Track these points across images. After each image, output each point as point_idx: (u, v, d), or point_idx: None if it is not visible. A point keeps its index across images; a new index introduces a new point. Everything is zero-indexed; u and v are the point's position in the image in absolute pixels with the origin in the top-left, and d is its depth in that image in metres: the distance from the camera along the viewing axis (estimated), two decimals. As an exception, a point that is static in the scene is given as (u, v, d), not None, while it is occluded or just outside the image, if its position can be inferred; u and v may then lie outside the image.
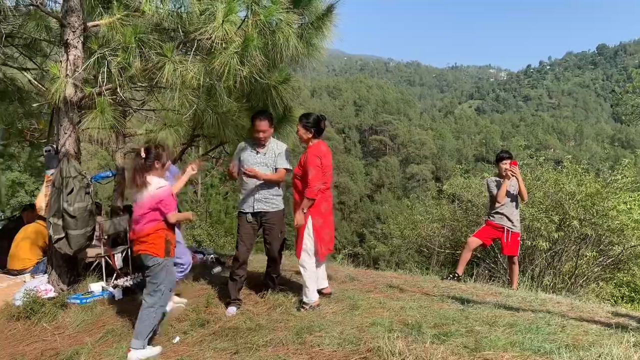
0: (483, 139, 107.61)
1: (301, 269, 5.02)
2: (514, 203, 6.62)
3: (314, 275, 5.01)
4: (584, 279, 9.69)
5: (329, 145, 5.21)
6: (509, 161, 6.55)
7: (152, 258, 4.26)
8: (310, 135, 5.01)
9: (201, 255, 7.51)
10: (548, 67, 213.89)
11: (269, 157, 5.11)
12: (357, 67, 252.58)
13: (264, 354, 3.99)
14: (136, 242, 4.33)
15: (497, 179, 6.68)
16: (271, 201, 5.16)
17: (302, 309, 4.93)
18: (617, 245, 9.71)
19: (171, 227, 4.37)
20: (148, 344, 4.25)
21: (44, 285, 5.57)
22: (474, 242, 6.75)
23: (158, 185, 4.25)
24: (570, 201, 9.46)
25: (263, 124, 5.04)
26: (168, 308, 5.12)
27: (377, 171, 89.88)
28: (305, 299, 4.97)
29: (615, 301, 9.52)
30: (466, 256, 6.77)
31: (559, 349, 3.65)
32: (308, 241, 4.98)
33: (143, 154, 4.27)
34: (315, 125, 5.00)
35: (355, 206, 76.25)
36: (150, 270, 4.29)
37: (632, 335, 3.78)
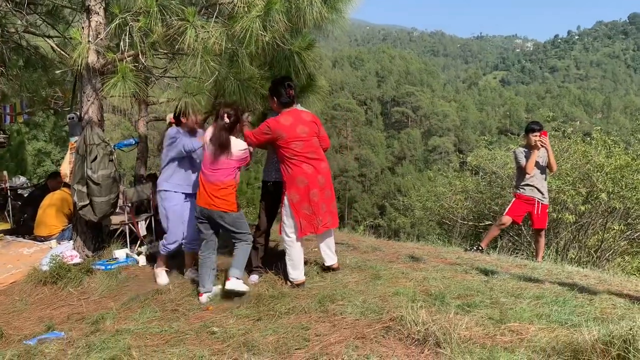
0: (507, 111, 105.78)
1: (285, 247, 4.95)
2: (544, 175, 6.46)
3: (295, 254, 4.85)
4: (610, 252, 9.54)
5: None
6: (539, 133, 6.37)
7: (229, 214, 4.57)
8: (274, 104, 4.88)
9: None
10: (577, 37, 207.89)
11: None
12: (380, 37, 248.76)
13: (286, 321, 3.99)
14: (209, 196, 4.54)
15: (526, 149, 6.50)
16: None
17: (287, 283, 4.88)
18: (646, 219, 9.51)
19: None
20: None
21: (69, 252, 5.65)
22: (508, 220, 6.57)
23: (241, 147, 4.60)
24: (598, 173, 9.24)
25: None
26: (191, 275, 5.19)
27: (399, 143, 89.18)
28: (289, 276, 4.88)
29: (641, 275, 9.37)
30: (494, 232, 6.67)
31: (587, 322, 3.57)
32: (285, 219, 4.87)
33: (226, 118, 4.48)
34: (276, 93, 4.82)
35: (376, 178, 76.00)
36: (231, 224, 4.62)
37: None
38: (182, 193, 5.07)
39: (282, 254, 5.41)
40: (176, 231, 5.09)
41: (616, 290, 4.61)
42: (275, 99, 4.81)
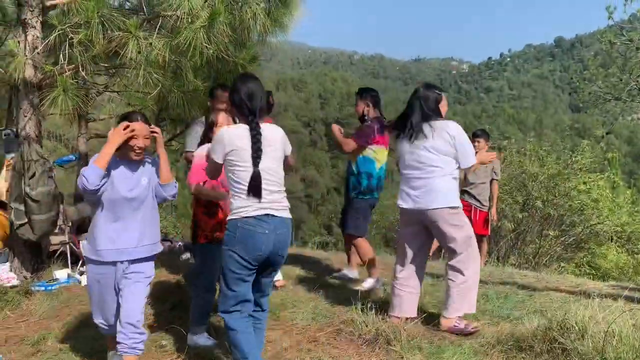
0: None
1: None
2: (485, 184, 6.60)
3: None
4: (547, 258, 9.99)
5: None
6: (482, 139, 6.55)
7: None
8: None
9: (169, 243, 7.41)
10: (508, 59, 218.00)
11: None
12: (322, 60, 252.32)
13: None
14: None
15: None
16: None
17: None
18: (578, 225, 10.03)
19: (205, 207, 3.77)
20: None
21: (5, 274, 5.37)
22: None
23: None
24: (532, 182, 9.72)
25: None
26: None
27: (344, 164, 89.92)
28: None
29: (576, 279, 9.84)
30: None
31: (528, 314, 3.77)
32: None
33: None
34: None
35: (323, 199, 76.33)
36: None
37: (596, 300, 3.90)
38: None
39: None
40: (95, 309, 3.45)
41: (554, 287, 4.86)
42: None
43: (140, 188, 3.18)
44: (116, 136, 3.00)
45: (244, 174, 2.85)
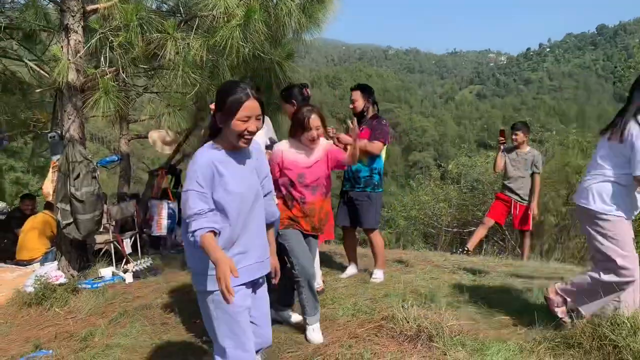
0: (484, 124, 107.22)
1: None
2: (524, 177, 6.39)
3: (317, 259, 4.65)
4: (593, 252, 9.69)
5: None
6: (521, 132, 6.38)
7: None
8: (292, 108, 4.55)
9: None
10: (548, 50, 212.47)
11: None
12: (356, 56, 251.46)
13: (278, 327, 3.98)
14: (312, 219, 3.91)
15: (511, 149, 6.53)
16: None
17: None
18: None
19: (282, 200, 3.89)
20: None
21: (54, 272, 5.57)
22: (489, 221, 6.56)
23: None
24: (576, 175, 9.43)
25: None
26: None
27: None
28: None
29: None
30: (480, 233, 6.55)
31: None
32: None
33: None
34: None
35: (359, 195, 76.07)
36: None
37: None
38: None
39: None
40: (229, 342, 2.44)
41: (601, 282, 4.69)
42: (294, 102, 4.48)
43: (256, 184, 2.52)
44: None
45: None
